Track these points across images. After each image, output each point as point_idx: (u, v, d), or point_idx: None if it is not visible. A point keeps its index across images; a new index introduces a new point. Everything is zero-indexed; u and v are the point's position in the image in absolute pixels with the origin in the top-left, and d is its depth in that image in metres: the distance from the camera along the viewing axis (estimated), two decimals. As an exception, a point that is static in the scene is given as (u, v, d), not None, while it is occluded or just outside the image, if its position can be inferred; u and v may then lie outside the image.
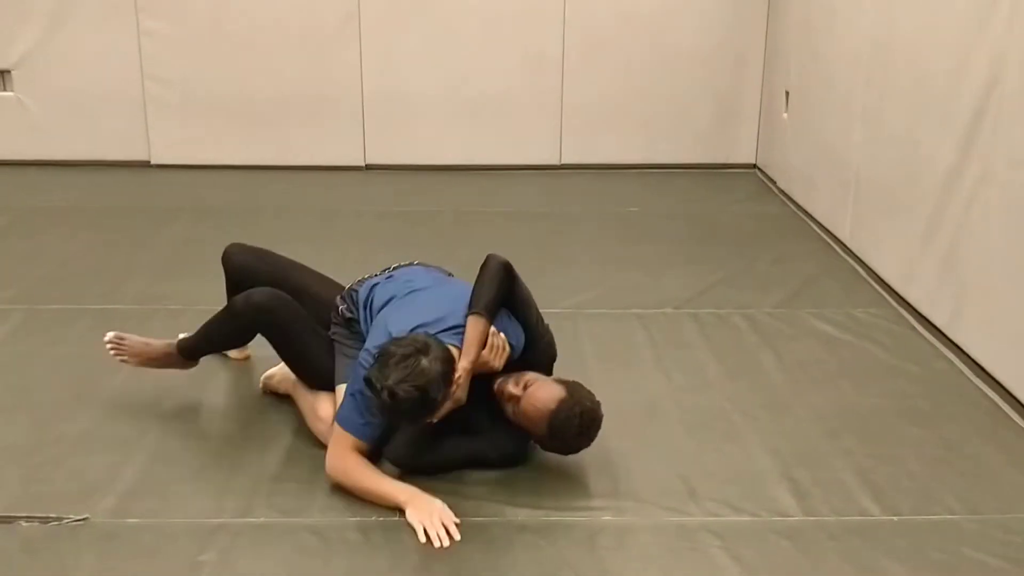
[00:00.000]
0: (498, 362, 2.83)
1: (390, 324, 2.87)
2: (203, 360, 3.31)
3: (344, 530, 2.65)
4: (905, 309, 4.09)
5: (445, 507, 2.68)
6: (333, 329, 3.14)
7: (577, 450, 2.87)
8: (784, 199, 5.68)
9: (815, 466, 2.99)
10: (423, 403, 2.64)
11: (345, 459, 2.79)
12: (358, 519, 2.69)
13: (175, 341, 3.24)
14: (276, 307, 3.04)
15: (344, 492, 2.78)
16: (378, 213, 5.37)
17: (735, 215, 5.48)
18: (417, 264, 3.27)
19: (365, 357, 2.79)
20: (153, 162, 6.17)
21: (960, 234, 3.66)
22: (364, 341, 2.94)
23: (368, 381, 2.66)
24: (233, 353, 3.52)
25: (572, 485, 2.86)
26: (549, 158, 6.27)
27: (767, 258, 4.75)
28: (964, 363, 3.61)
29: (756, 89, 6.21)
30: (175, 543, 2.59)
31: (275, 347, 3.11)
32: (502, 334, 2.87)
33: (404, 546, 2.58)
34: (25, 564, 2.51)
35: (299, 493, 2.81)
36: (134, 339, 3.25)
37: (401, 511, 2.69)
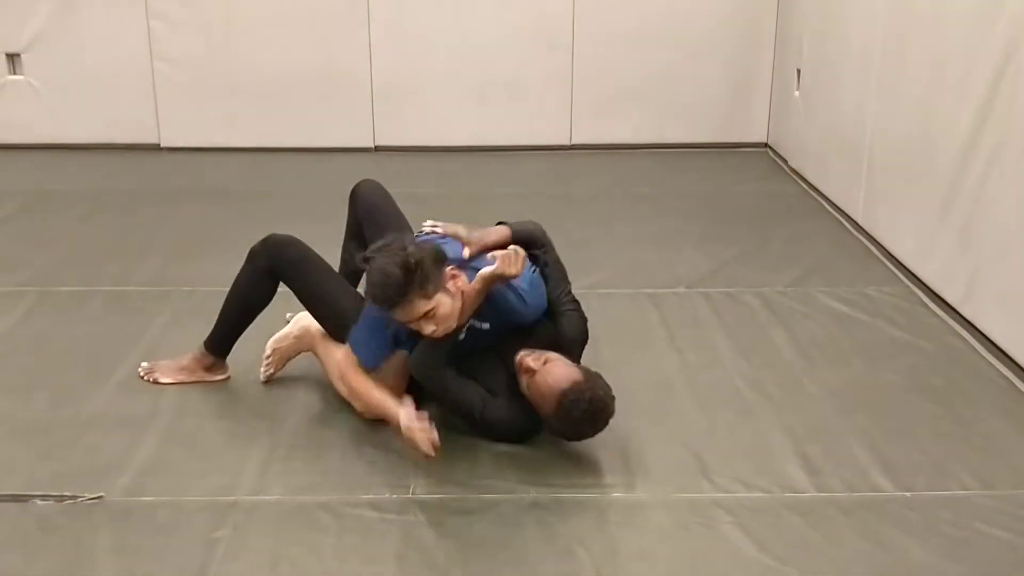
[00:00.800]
0: (513, 269, 2.81)
1: None
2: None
3: (357, 507, 2.66)
4: (918, 287, 4.08)
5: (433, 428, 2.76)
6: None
7: (580, 437, 2.85)
8: (796, 178, 5.66)
9: (827, 442, 2.98)
10: (401, 269, 2.69)
11: (350, 372, 2.95)
12: (371, 496, 2.70)
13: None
14: (289, 243, 3.12)
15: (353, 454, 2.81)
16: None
17: (747, 194, 5.46)
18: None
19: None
20: (163, 145, 6.18)
21: (974, 210, 3.64)
22: None
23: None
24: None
25: (583, 462, 2.87)
26: (560, 138, 6.25)
27: (779, 237, 4.74)
28: (977, 340, 3.60)
29: (767, 67, 6.17)
30: (190, 520, 2.61)
31: (294, 287, 3.14)
32: (521, 250, 2.86)
33: (417, 522, 2.60)
34: (41, 542, 2.53)
35: (312, 471, 2.83)
36: (163, 361, 3.34)
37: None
